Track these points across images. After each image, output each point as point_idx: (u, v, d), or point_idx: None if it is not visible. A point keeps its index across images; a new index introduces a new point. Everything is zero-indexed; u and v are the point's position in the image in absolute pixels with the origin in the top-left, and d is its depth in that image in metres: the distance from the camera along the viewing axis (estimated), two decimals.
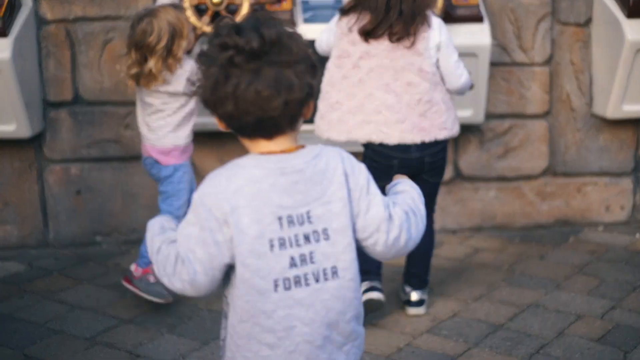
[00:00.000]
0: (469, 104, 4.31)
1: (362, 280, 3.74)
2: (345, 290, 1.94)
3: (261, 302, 1.87)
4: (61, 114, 4.48)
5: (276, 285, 1.87)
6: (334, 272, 1.92)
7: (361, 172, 1.97)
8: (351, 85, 3.50)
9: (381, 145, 3.52)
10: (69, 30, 4.40)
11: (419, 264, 3.80)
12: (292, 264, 1.88)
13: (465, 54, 4.02)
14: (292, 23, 4.16)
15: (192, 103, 3.74)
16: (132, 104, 4.42)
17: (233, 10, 4.01)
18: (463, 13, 3.99)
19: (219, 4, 3.98)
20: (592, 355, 3.40)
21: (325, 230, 1.90)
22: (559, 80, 4.62)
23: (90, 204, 4.59)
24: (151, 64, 3.58)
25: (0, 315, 3.82)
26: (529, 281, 4.12)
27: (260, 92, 1.80)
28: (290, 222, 1.88)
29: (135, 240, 4.57)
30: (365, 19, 3.44)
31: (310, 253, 1.89)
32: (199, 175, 4.44)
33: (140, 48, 3.59)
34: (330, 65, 3.56)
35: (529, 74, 4.57)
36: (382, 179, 3.69)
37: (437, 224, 4.58)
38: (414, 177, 3.62)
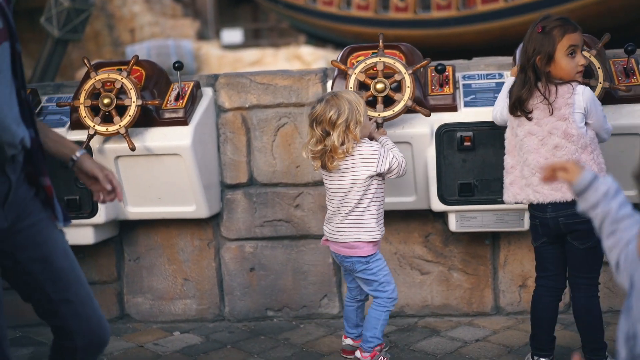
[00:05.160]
0: (629, 184, 4.26)
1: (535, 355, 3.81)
2: None
3: None
4: (237, 195, 4.77)
5: None
6: None
7: None
8: (515, 152, 3.77)
9: (531, 205, 3.73)
10: (244, 117, 4.72)
11: (586, 335, 3.75)
12: None
13: (628, 134, 4.07)
14: (453, 107, 4.27)
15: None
16: (302, 185, 4.66)
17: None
18: (625, 95, 4.07)
19: (383, 90, 4.12)
20: None
21: None
22: None
23: (263, 281, 4.83)
24: (334, 137, 3.76)
25: None
26: None
27: None
28: None
29: (304, 316, 4.76)
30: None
31: None
32: None
33: (321, 123, 3.79)
34: (506, 134, 3.86)
35: None
36: (535, 238, 3.82)
37: (604, 304, 4.50)
38: (562, 240, 3.70)
